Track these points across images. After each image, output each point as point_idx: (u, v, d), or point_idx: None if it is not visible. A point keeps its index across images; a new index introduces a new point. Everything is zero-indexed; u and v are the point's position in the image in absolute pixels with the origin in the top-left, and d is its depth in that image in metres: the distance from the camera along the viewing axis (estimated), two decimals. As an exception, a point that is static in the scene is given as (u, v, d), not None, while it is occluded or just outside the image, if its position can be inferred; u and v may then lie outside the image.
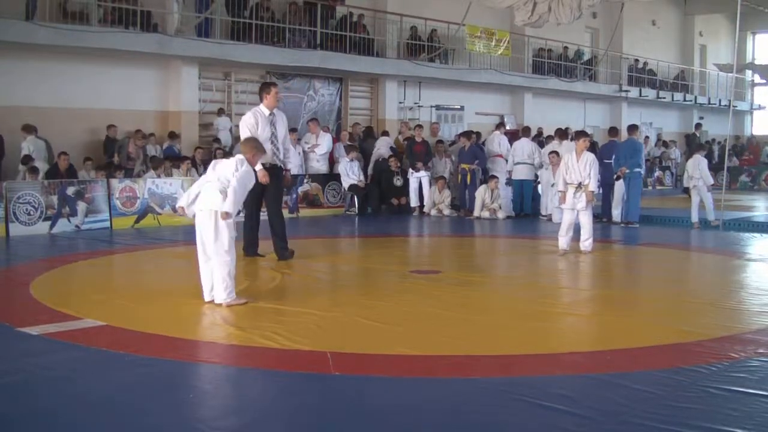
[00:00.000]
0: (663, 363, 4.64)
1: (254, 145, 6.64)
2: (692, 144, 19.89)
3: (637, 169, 12.64)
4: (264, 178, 8.04)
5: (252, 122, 8.26)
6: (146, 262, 8.94)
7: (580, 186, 9.16)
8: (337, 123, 17.80)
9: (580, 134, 9.81)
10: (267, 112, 8.40)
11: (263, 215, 8.77)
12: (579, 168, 9.14)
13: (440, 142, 15.94)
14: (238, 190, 6.09)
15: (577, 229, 9.35)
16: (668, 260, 9.65)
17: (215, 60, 14.92)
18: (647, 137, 24.74)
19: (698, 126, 20.87)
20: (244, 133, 8.23)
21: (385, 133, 16.23)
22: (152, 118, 14.65)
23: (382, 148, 15.33)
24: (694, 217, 12.54)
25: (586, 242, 9.32)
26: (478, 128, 16.98)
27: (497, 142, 14.75)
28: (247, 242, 8.66)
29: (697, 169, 12.61)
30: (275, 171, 8.52)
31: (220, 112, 15.30)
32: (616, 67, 25.79)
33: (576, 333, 5.58)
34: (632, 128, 13.35)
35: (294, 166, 13.79)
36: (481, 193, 13.69)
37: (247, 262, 8.37)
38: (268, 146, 8.27)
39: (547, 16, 13.18)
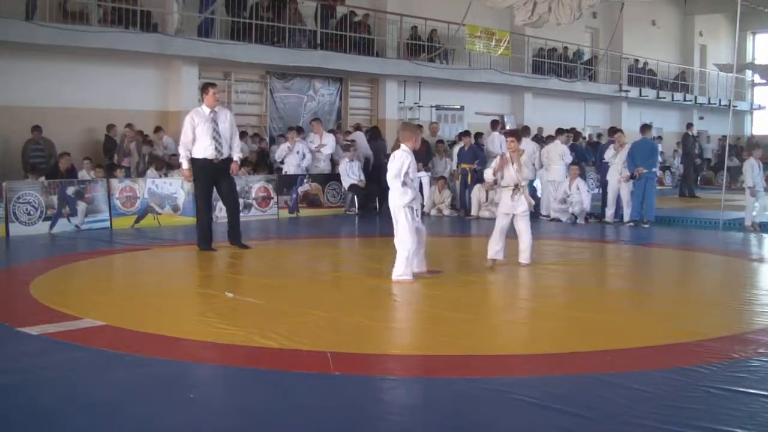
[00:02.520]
0: (663, 363, 4.64)
1: (411, 130, 7.36)
2: (687, 144, 19.80)
3: (654, 170, 12.71)
4: (187, 178, 9.09)
5: (189, 120, 8.86)
6: (146, 262, 8.94)
7: (517, 188, 8.14)
8: (337, 123, 17.79)
9: (509, 133, 8.98)
10: (207, 110, 8.93)
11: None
12: (512, 169, 8.16)
13: (440, 142, 15.92)
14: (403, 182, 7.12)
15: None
16: (668, 260, 9.65)
17: (215, 60, 14.91)
18: (660, 137, 24.68)
19: (690, 125, 20.84)
20: (183, 132, 8.93)
21: (358, 127, 16.01)
22: (152, 118, 14.64)
23: (361, 144, 15.23)
24: (748, 220, 12.23)
25: (524, 253, 8.21)
26: (478, 128, 16.95)
27: (498, 143, 14.73)
28: (201, 237, 9.12)
29: (749, 172, 12.42)
30: (225, 164, 9.07)
31: None
32: (616, 67, 25.79)
33: (576, 333, 5.57)
34: (646, 128, 13.31)
35: (291, 165, 13.87)
36: (476, 192, 13.68)
37: (248, 262, 8.38)
38: (210, 142, 8.87)
39: (547, 16, 13.17)
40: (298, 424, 3.68)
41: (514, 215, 8.15)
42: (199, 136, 8.83)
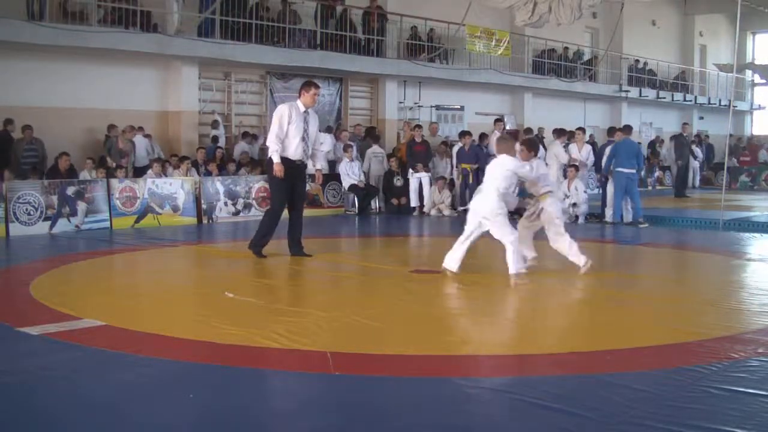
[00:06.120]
0: (663, 363, 4.64)
1: (507, 143, 7.52)
2: (682, 145, 19.80)
3: (634, 171, 12.67)
4: (280, 172, 8.27)
5: (285, 114, 8.32)
6: (146, 262, 8.94)
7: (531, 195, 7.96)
8: (337, 123, 17.79)
9: (525, 142, 8.09)
10: (302, 108, 8.47)
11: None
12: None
13: (444, 143, 15.89)
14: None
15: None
16: (668, 260, 9.65)
17: (215, 60, 14.91)
18: (663, 141, 24.66)
19: (685, 126, 20.85)
20: (274, 124, 8.36)
21: (328, 129, 15.96)
22: (152, 118, 14.64)
23: (374, 164, 15.31)
24: None
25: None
26: (478, 128, 16.95)
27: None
28: (260, 242, 8.61)
29: None
30: (302, 169, 8.66)
31: (215, 124, 15.14)
32: (616, 67, 25.79)
33: (576, 333, 5.58)
34: (627, 128, 13.40)
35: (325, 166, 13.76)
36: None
37: (248, 262, 8.37)
38: (299, 143, 8.41)
39: (548, 16, 13.18)
40: (299, 423, 3.68)
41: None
42: (290, 134, 8.31)
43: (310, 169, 9.11)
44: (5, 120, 12.37)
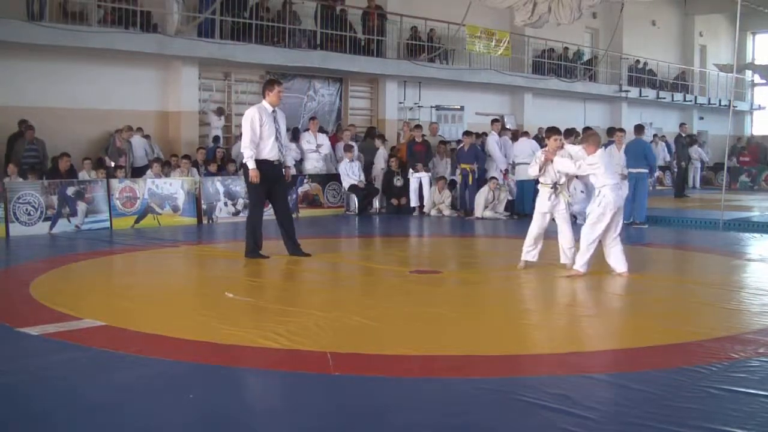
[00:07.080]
0: (663, 363, 4.63)
1: (593, 138, 7.94)
2: (681, 145, 19.80)
3: (645, 170, 12.67)
4: (255, 178, 8.25)
5: (256, 117, 8.27)
6: (146, 262, 8.93)
7: (555, 186, 8.03)
8: (337, 123, 17.80)
9: (551, 131, 8.63)
10: (270, 108, 8.44)
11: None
12: (552, 167, 8.03)
13: (443, 143, 15.88)
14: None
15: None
16: (668, 260, 9.65)
17: (215, 60, 14.92)
18: (661, 136, 24.66)
19: (682, 126, 20.89)
20: (246, 129, 8.29)
21: (321, 129, 15.92)
22: (152, 118, 14.64)
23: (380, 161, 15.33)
24: None
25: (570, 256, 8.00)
26: (478, 128, 16.94)
27: (489, 142, 14.70)
28: (252, 246, 8.53)
29: None
30: (280, 169, 8.61)
31: (220, 111, 15.25)
32: (616, 67, 25.79)
33: (576, 333, 5.58)
34: (639, 129, 13.37)
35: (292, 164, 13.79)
36: (484, 192, 13.67)
37: (249, 262, 8.37)
38: (274, 143, 8.38)
39: (547, 16, 13.18)
40: (298, 424, 3.68)
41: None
42: (263, 136, 8.28)
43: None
44: (20, 121, 12.41)
